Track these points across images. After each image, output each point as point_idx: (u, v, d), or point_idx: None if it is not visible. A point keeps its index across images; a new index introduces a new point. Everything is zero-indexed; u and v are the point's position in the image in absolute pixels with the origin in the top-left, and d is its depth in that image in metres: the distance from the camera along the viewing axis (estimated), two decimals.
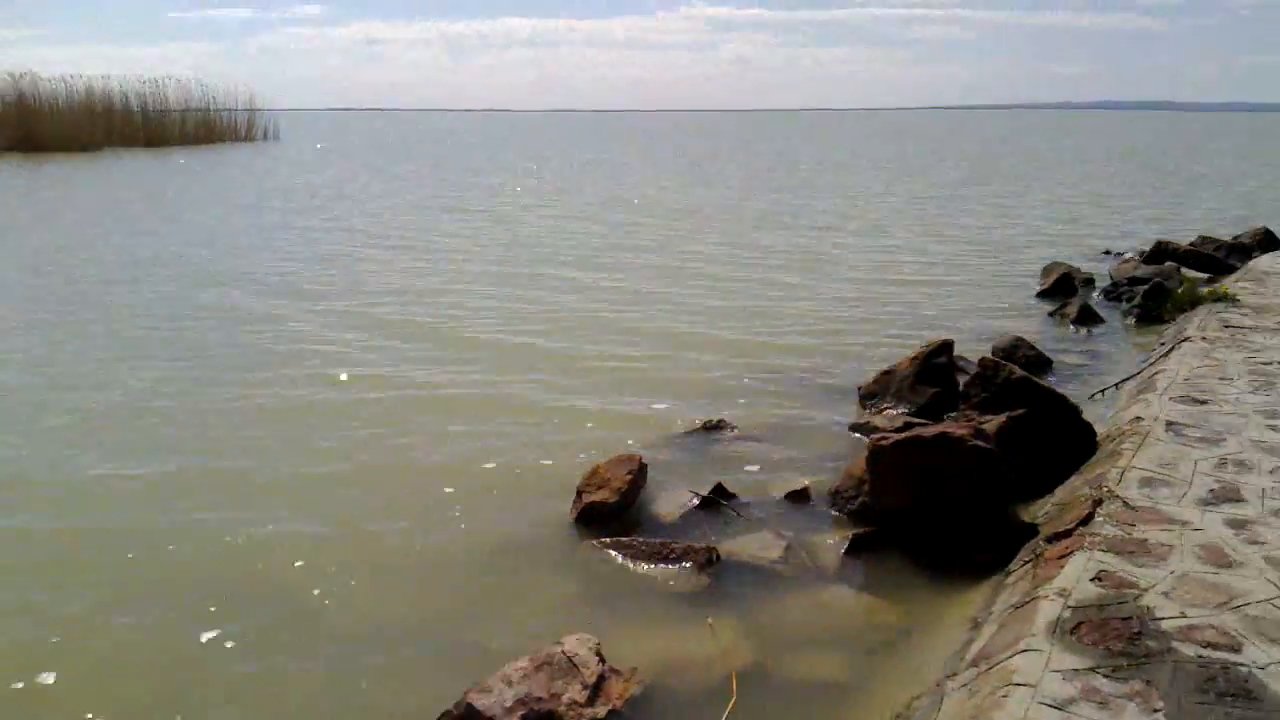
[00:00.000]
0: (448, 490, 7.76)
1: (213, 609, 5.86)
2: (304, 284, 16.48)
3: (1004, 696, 4.40)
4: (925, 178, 42.97)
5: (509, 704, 4.74)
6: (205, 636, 5.57)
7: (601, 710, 4.85)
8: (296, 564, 6.51)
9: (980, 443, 6.85)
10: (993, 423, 7.62)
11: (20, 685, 5.09)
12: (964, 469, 6.77)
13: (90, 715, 4.87)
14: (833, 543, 6.90)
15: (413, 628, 5.80)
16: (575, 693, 4.86)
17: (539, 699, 4.78)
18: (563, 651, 5.07)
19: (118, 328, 13.14)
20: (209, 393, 10.23)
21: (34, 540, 6.89)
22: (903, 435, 6.90)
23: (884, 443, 6.86)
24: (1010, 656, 4.80)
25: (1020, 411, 7.91)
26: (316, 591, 6.14)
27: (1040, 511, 7.18)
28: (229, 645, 5.50)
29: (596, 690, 4.95)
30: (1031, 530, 6.67)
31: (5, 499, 7.53)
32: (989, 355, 8.80)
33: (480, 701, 4.75)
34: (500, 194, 33.77)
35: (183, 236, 22.17)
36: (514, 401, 10.14)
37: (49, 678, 5.15)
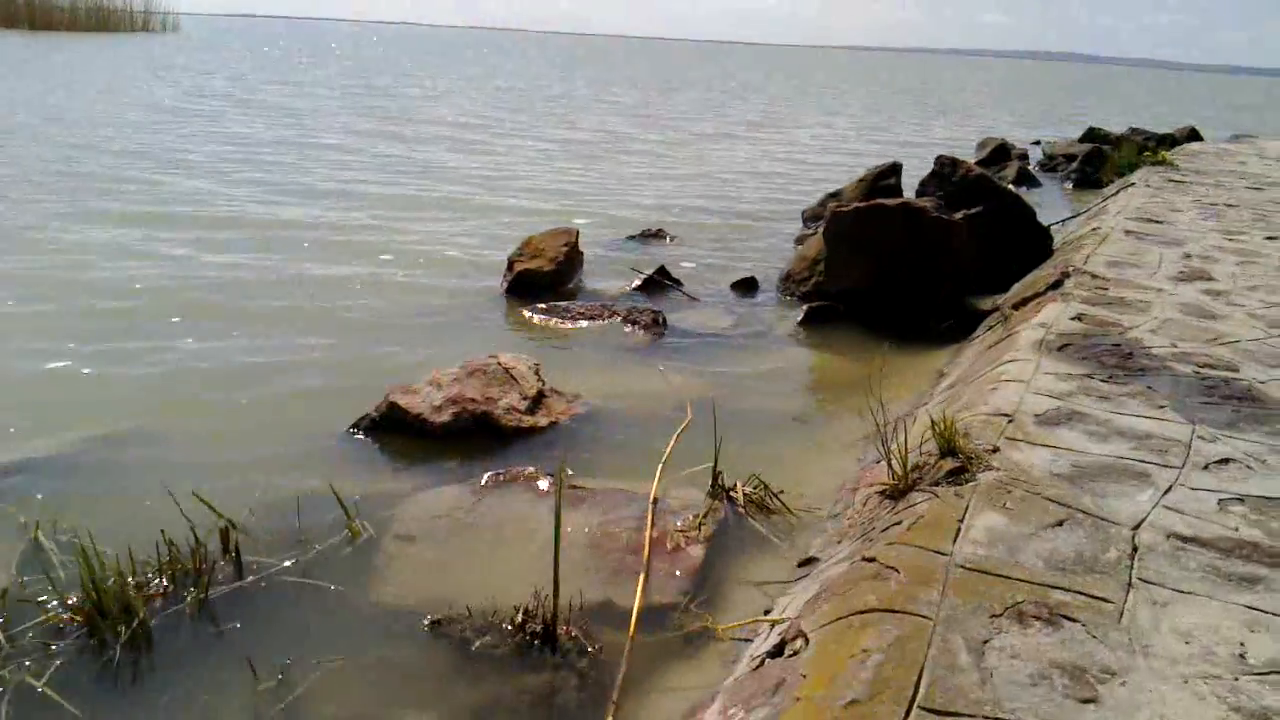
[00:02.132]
0: (386, 260, 7.11)
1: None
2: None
3: (993, 390, 3.98)
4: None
5: (438, 403, 4.13)
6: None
7: (543, 420, 4.29)
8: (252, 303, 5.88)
9: (943, 215, 6.42)
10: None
11: None
12: (925, 242, 6.33)
13: None
14: (785, 317, 6.42)
15: (341, 363, 5.17)
16: (514, 400, 4.28)
17: (472, 400, 4.17)
18: (499, 363, 4.47)
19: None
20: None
21: None
22: (864, 204, 6.41)
23: (844, 210, 6.36)
24: (996, 368, 4.39)
25: (978, 209, 7.50)
26: (266, 329, 5.50)
27: (999, 302, 6.83)
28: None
29: (536, 404, 4.37)
30: (992, 313, 6.31)
31: None
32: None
33: (405, 400, 4.13)
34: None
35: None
36: (458, 205, 9.44)
37: None
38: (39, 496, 3.52)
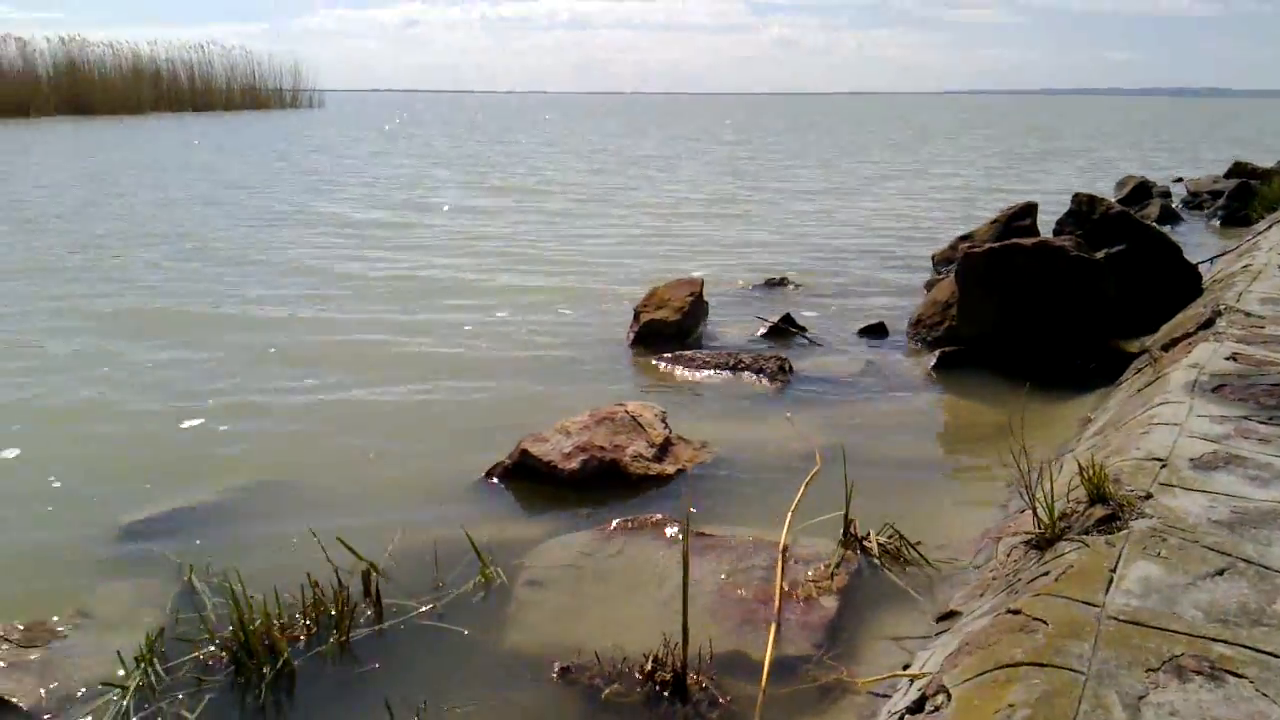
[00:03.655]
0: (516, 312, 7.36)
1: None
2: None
3: (1144, 434, 3.76)
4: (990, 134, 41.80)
5: (567, 450, 4.18)
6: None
7: (670, 468, 4.28)
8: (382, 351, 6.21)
9: (1083, 254, 6.17)
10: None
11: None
12: (1063, 283, 6.08)
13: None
14: (916, 362, 6.26)
15: (474, 412, 5.36)
16: (641, 447, 4.29)
17: (600, 448, 4.21)
18: (626, 411, 4.50)
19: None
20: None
21: None
22: (998, 244, 6.22)
23: (976, 251, 6.19)
24: (1146, 411, 4.15)
25: (1120, 247, 7.18)
26: (398, 382, 5.76)
27: (1146, 343, 6.49)
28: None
29: (664, 451, 4.37)
30: (1139, 355, 5.99)
31: None
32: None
33: (536, 449, 4.19)
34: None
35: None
36: (584, 258, 9.68)
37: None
38: (196, 542, 3.71)
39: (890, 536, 3.60)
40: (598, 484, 4.14)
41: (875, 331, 6.94)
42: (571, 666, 2.84)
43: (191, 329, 7.08)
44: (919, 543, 3.57)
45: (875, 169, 22.82)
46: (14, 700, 2.71)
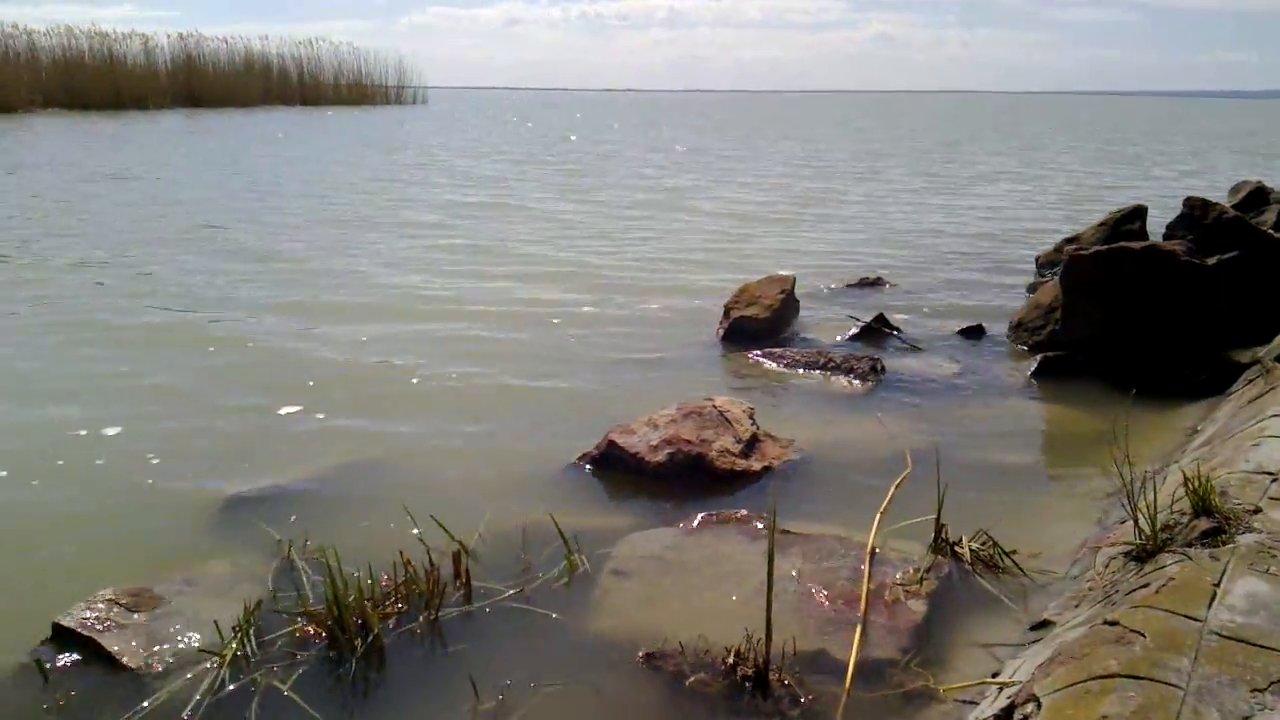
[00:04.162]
0: (608, 304, 7.41)
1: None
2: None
3: (1254, 446, 3.60)
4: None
5: (654, 443, 4.20)
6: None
7: (756, 464, 4.26)
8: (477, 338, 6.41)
9: (1194, 259, 5.92)
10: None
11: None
12: (1173, 289, 5.85)
13: None
14: (1015, 366, 6.09)
15: (562, 401, 5.44)
16: (728, 443, 4.28)
17: (687, 442, 4.21)
18: (714, 406, 4.50)
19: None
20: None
21: None
22: (1105, 247, 6.01)
23: (1083, 253, 5.99)
24: (1257, 423, 3.97)
25: (1233, 254, 6.86)
26: (487, 369, 5.94)
27: (1259, 354, 6.19)
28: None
29: (750, 447, 4.36)
30: (1251, 365, 5.72)
31: None
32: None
33: (623, 440, 4.23)
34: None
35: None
36: (675, 253, 9.73)
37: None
38: (293, 519, 3.84)
39: (983, 543, 3.52)
40: (683, 477, 4.15)
41: (973, 333, 6.78)
42: (655, 654, 2.86)
43: (295, 315, 7.32)
44: (1013, 551, 3.48)
45: (977, 169, 22.27)
46: (121, 659, 2.86)
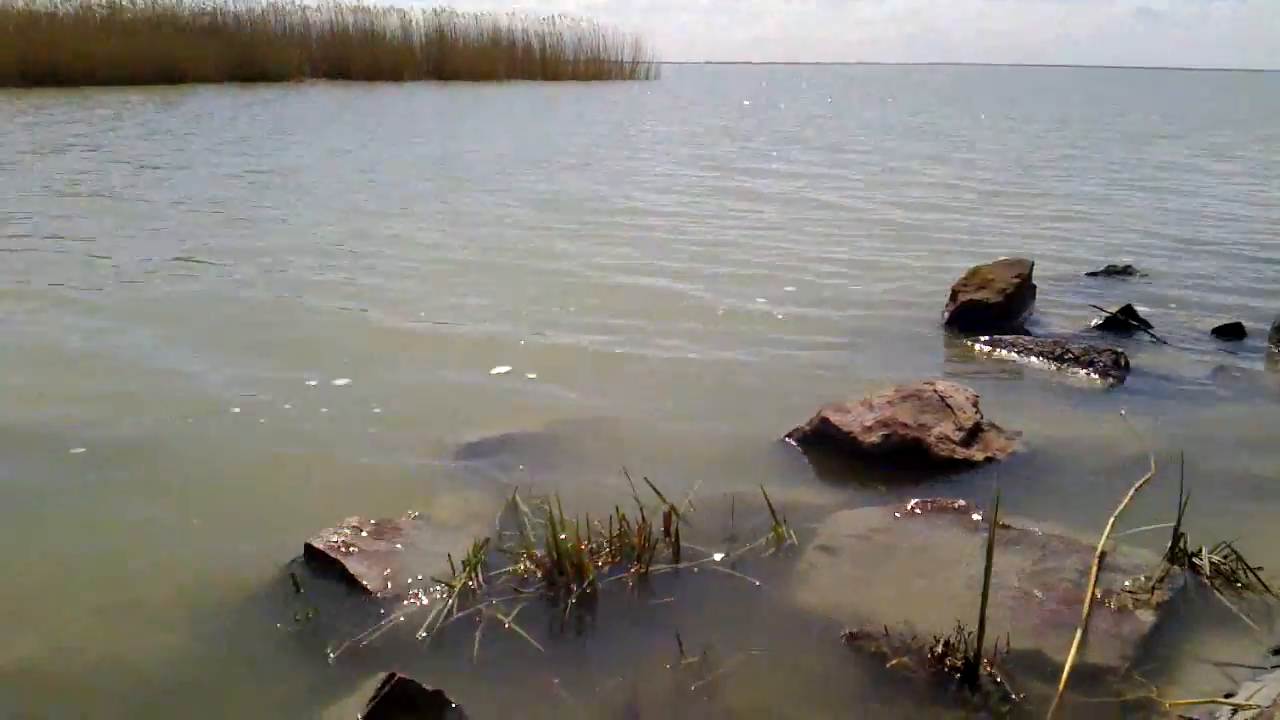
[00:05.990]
0: (827, 278, 7.36)
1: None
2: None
3: None
4: None
5: (869, 423, 4.14)
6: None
7: (978, 454, 4.12)
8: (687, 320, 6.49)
9: None
10: None
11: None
12: None
13: None
14: (1277, 371, 5.54)
15: (775, 375, 5.48)
16: (947, 429, 4.16)
17: (904, 425, 4.13)
18: (935, 390, 4.37)
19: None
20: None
21: None
22: None
23: None
24: None
25: None
26: (701, 341, 6.01)
27: None
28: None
29: (972, 436, 4.21)
30: None
31: None
32: None
33: (837, 418, 4.20)
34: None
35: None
36: (902, 232, 9.56)
37: None
38: (520, 468, 4.08)
39: (1226, 556, 3.25)
40: (897, 461, 4.07)
41: (1231, 333, 6.20)
42: (858, 634, 2.85)
43: (513, 275, 7.71)
44: (1260, 568, 3.20)
45: (1241, 155, 20.12)
46: (363, 582, 3.15)
